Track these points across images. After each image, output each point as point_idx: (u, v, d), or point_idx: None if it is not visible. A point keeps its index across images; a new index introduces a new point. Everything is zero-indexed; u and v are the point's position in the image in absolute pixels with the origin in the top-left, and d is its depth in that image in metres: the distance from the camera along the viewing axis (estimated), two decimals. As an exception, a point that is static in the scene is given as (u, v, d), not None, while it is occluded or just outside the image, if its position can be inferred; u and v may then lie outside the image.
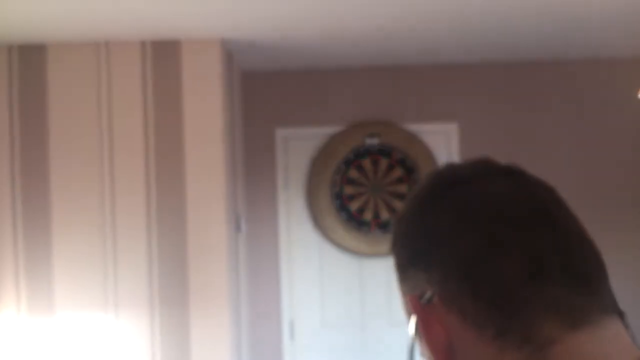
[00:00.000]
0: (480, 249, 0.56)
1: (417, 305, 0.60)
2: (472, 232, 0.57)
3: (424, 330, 0.59)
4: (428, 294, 0.58)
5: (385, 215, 3.53)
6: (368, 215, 3.54)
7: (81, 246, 2.72)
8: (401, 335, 3.58)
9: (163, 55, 2.76)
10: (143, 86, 2.76)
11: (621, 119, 3.47)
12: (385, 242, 3.54)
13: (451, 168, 0.64)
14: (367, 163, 3.55)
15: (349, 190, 3.55)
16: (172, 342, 2.72)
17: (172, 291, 2.73)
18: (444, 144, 3.59)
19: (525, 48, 3.22)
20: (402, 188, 3.54)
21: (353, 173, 3.55)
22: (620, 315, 0.56)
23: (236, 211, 3.11)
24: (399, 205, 3.54)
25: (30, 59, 2.74)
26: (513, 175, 0.61)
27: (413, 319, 0.60)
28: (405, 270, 0.62)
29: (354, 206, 3.54)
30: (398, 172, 3.54)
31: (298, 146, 3.58)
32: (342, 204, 3.54)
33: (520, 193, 0.60)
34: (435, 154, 3.56)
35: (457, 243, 0.57)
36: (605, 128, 3.48)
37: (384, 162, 3.54)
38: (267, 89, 3.56)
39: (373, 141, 3.54)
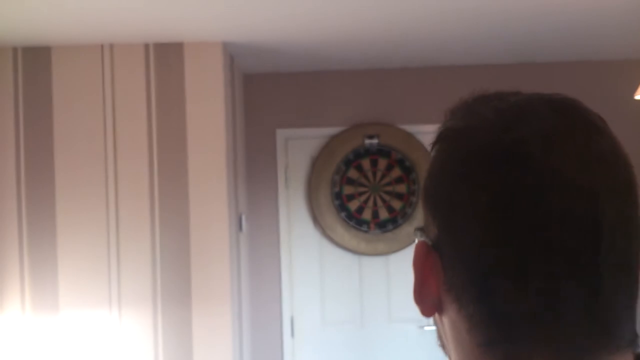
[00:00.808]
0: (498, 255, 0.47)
1: (423, 250, 0.53)
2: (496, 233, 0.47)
3: (421, 273, 0.53)
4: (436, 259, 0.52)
5: (384, 214, 3.53)
6: (367, 215, 3.53)
7: (85, 245, 2.71)
8: (400, 332, 3.59)
9: (166, 58, 2.75)
10: (146, 87, 2.75)
11: (618, 120, 3.46)
12: (383, 240, 3.54)
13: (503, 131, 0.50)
14: (366, 163, 3.54)
15: (348, 189, 3.54)
16: (174, 339, 2.72)
17: (175, 289, 2.72)
18: (441, 145, 3.59)
19: (521, 50, 3.21)
20: (401, 188, 3.54)
21: (352, 173, 3.54)
22: (635, 345, 0.48)
23: (238, 210, 3.11)
24: (397, 204, 3.54)
25: (35, 60, 2.74)
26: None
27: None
28: (427, 225, 0.54)
29: (353, 205, 3.54)
30: (397, 172, 3.54)
31: (298, 147, 3.58)
32: (341, 203, 3.54)
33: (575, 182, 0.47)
34: (433, 155, 3.57)
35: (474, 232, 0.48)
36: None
37: (382, 162, 3.54)
38: (268, 90, 3.56)
39: (372, 142, 3.53)
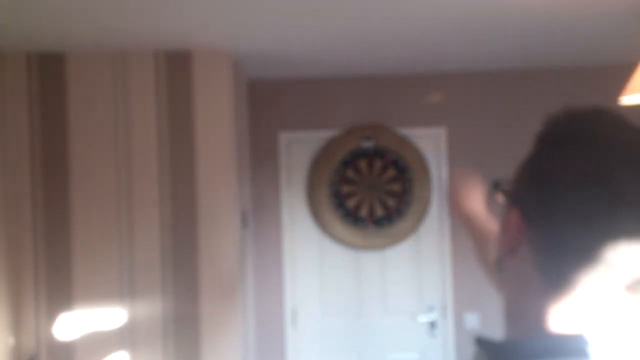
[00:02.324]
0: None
1: (516, 217, 0.67)
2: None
3: (508, 228, 0.68)
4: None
5: (380, 211, 3.55)
6: (364, 212, 3.55)
7: (99, 245, 2.71)
8: (395, 322, 3.62)
9: (175, 65, 2.74)
10: (157, 93, 2.74)
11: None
12: (379, 236, 3.57)
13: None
14: (363, 164, 3.57)
15: (346, 188, 3.56)
16: (183, 327, 2.73)
17: (184, 282, 2.73)
18: (433, 147, 3.60)
19: (512, 57, 3.21)
20: (396, 187, 3.56)
21: (350, 173, 3.56)
22: None
23: (243, 208, 3.12)
24: (392, 202, 3.57)
25: (49, 66, 2.72)
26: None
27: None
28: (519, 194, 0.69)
29: (351, 203, 3.56)
30: (391, 172, 3.56)
31: (300, 148, 3.59)
32: (339, 201, 3.55)
33: None
34: (426, 156, 3.60)
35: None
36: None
37: (378, 163, 3.55)
38: (272, 96, 3.56)
39: (368, 144, 3.55)
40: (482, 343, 0.66)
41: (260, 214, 3.56)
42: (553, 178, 0.64)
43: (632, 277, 0.61)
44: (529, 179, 0.67)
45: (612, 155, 0.62)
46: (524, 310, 0.66)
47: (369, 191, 3.56)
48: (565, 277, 0.62)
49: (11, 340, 2.64)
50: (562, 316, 0.63)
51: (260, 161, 3.57)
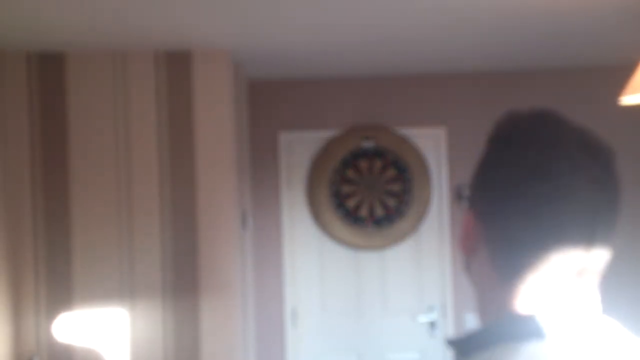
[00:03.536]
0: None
1: (471, 218, 0.71)
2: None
3: (465, 229, 0.72)
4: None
5: (379, 211, 3.53)
6: (364, 212, 3.53)
7: (99, 243, 2.68)
8: (394, 321, 3.60)
9: (175, 65, 2.73)
10: (157, 93, 2.72)
11: (606, 125, 3.45)
12: (379, 236, 3.55)
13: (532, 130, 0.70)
14: (363, 164, 3.56)
15: (346, 188, 3.54)
16: (183, 328, 2.71)
17: (184, 283, 2.70)
18: (433, 147, 3.59)
19: (511, 58, 3.20)
20: (395, 187, 3.55)
21: (350, 173, 3.54)
22: None
23: (243, 208, 3.10)
24: (392, 202, 3.55)
25: (49, 66, 2.70)
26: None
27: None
28: (476, 195, 0.72)
29: (350, 203, 3.54)
30: (391, 172, 3.54)
31: (300, 148, 3.57)
32: (339, 201, 3.53)
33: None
34: (425, 156, 3.59)
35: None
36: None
37: (378, 163, 3.55)
38: (272, 96, 3.55)
39: (368, 144, 3.53)
40: (450, 342, 0.70)
41: (261, 214, 3.54)
42: (497, 178, 0.67)
43: (578, 265, 0.64)
44: (477, 182, 0.71)
45: (551, 153, 0.64)
46: (487, 305, 0.70)
47: (368, 191, 3.54)
48: (516, 272, 0.65)
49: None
50: (519, 307, 0.66)
51: (260, 161, 3.55)
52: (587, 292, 0.66)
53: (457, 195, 0.81)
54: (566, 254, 0.64)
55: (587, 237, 0.64)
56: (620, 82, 3.22)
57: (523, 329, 0.64)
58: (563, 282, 0.65)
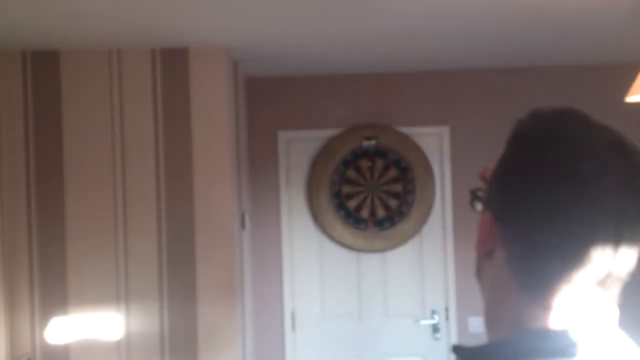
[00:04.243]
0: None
1: (489, 219, 0.67)
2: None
3: (482, 231, 0.68)
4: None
5: (381, 213, 3.49)
6: (365, 213, 3.49)
7: (94, 245, 2.65)
8: (397, 324, 3.55)
9: (172, 62, 2.70)
10: (153, 91, 2.70)
11: (610, 123, 3.43)
12: (380, 238, 3.51)
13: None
14: (364, 164, 3.51)
15: (347, 189, 3.50)
16: (180, 332, 2.68)
17: (181, 285, 2.67)
18: (436, 146, 3.55)
19: (515, 55, 3.17)
20: (397, 187, 3.50)
21: (351, 173, 3.50)
22: None
23: (241, 209, 3.08)
24: (394, 203, 3.51)
25: (44, 64, 2.68)
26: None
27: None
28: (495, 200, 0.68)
29: (351, 204, 3.49)
30: (393, 172, 3.50)
31: (299, 148, 3.53)
32: (340, 202, 3.49)
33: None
34: (428, 155, 3.53)
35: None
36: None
37: (380, 163, 3.50)
38: (270, 94, 3.52)
39: (370, 143, 3.49)
40: (458, 350, 0.66)
41: (259, 214, 3.50)
42: (519, 179, 0.64)
43: (602, 273, 0.61)
44: (498, 182, 0.68)
45: (576, 153, 0.62)
46: (501, 314, 0.66)
47: (370, 192, 3.50)
48: (537, 279, 0.62)
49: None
50: (538, 318, 0.63)
51: (259, 161, 3.51)
52: (608, 303, 0.63)
53: (472, 197, 0.75)
54: (591, 260, 0.60)
55: (613, 241, 0.60)
56: (627, 80, 3.18)
57: (550, 345, 0.60)
58: (585, 291, 0.62)
